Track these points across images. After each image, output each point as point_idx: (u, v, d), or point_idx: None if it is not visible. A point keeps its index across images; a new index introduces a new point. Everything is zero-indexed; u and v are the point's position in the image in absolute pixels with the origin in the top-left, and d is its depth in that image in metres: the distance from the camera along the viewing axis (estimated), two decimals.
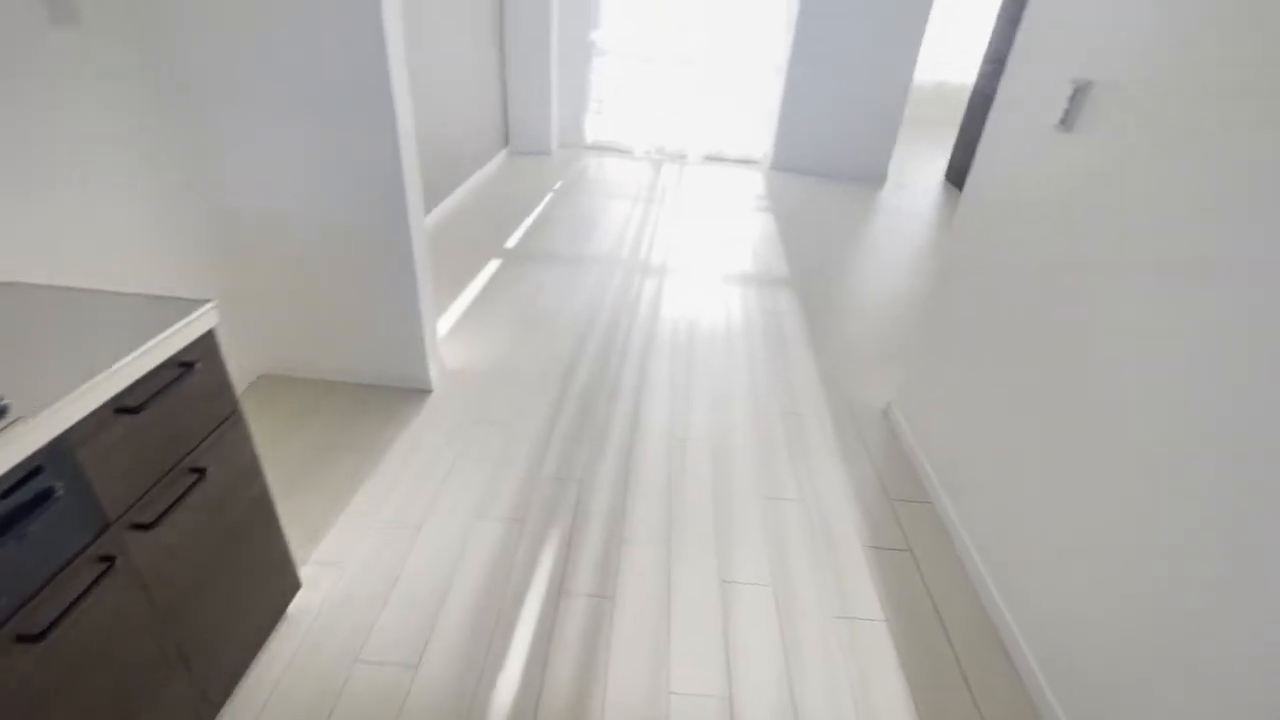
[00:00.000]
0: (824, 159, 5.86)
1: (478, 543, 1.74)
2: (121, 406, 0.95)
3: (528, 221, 4.12)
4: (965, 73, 9.09)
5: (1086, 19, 1.54)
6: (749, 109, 5.92)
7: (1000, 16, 5.35)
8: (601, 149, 6.11)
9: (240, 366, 2.26)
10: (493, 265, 3.45)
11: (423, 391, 2.35)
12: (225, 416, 1.20)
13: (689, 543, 1.80)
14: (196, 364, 1.09)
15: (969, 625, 1.63)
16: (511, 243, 3.77)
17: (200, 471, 1.13)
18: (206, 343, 1.12)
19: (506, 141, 5.66)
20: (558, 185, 4.95)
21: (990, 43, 5.51)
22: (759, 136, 6.03)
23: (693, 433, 2.24)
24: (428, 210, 3.87)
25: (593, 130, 6.09)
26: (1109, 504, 1.29)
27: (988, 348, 1.82)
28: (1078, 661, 1.34)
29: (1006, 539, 1.64)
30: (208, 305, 1.10)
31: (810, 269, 3.75)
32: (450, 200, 4.24)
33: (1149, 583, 1.18)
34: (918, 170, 6.43)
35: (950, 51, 9.22)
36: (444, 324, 2.81)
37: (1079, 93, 1.51)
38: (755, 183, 5.50)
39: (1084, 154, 1.49)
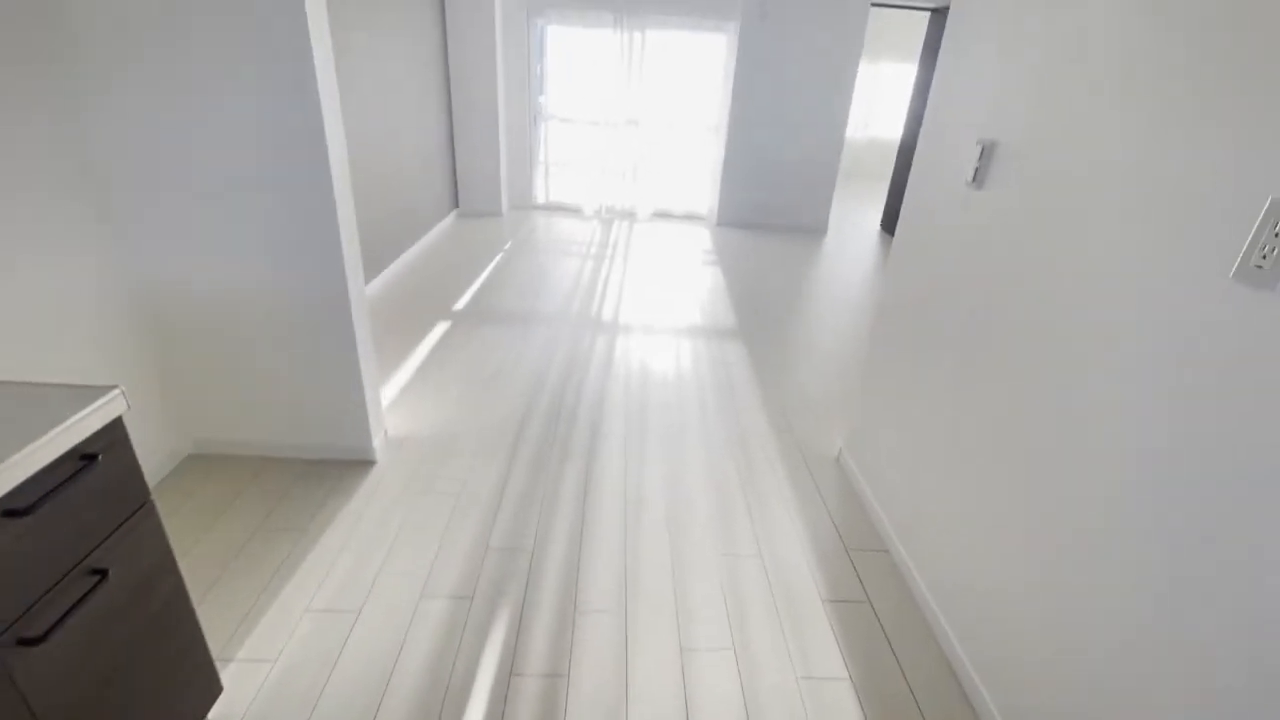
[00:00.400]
0: (766, 213, 6.10)
1: (422, 625, 1.64)
2: (9, 509, 0.87)
3: (477, 282, 4.11)
4: (892, 128, 9.71)
5: (983, 93, 1.66)
6: (693, 167, 6.14)
7: (918, 80, 5.77)
8: (551, 209, 6.21)
9: (166, 448, 2.13)
10: (440, 328, 3.40)
11: (365, 463, 2.25)
12: (134, 510, 1.11)
13: (646, 609, 1.74)
14: (100, 456, 1.01)
15: (930, 674, 1.60)
16: (460, 304, 3.74)
17: (102, 573, 1.03)
18: (112, 432, 1.05)
19: (456, 204, 5.70)
20: (507, 245, 4.98)
21: (911, 102, 5.91)
22: (703, 193, 6.25)
23: (647, 491, 2.20)
24: (374, 275, 3.82)
25: (542, 190, 6.20)
26: (1056, 539, 1.31)
27: (922, 390, 1.87)
28: (1037, 706, 1.33)
29: (960, 583, 1.64)
30: (113, 392, 1.03)
31: (757, 319, 3.83)
32: (397, 264, 4.20)
33: (1101, 621, 1.19)
34: (855, 219, 6.75)
35: (878, 109, 9.86)
36: (389, 391, 2.73)
37: (985, 152, 1.62)
38: (702, 237, 5.65)
39: (993, 206, 1.58)
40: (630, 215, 6.21)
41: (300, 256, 1.95)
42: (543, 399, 2.75)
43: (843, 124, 5.79)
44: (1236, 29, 0.98)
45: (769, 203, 6.04)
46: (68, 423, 0.95)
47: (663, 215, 6.29)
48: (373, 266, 3.80)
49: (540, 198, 6.22)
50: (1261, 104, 0.93)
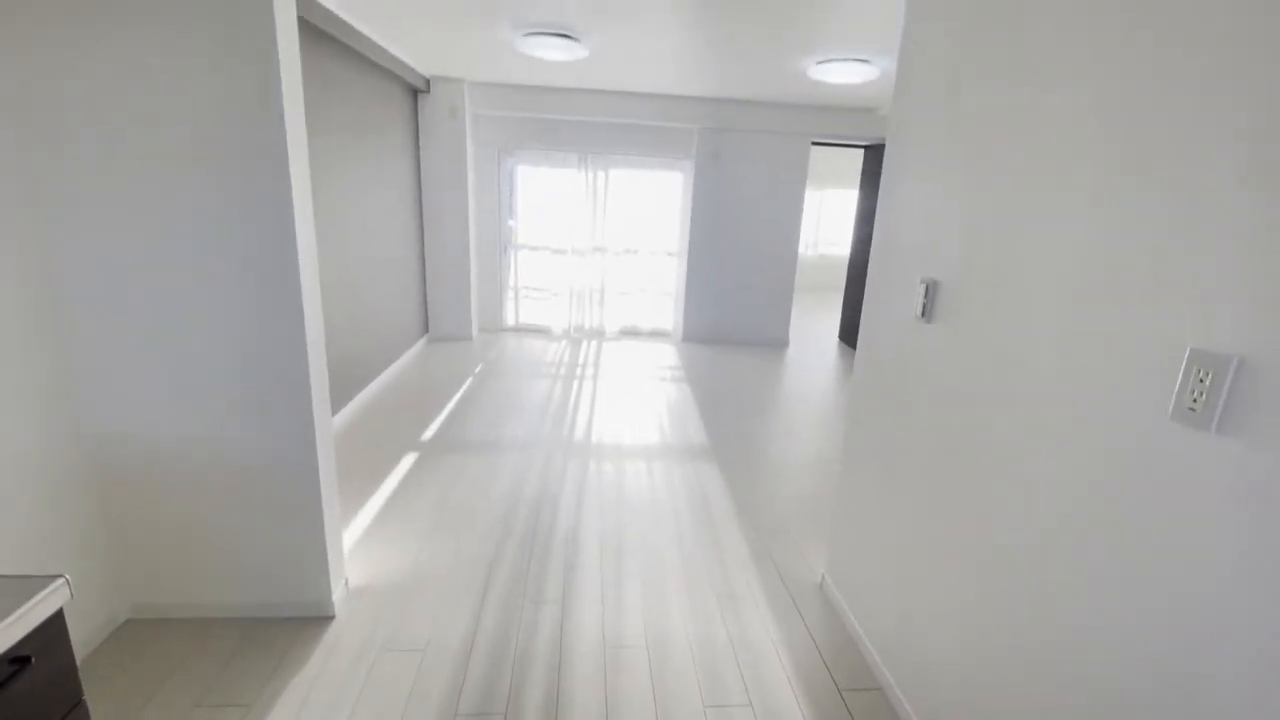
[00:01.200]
0: (729, 329, 6.33)
1: None
2: None
3: (447, 409, 4.09)
4: (837, 245, 10.42)
5: (921, 232, 1.82)
6: (657, 288, 6.42)
7: (860, 205, 6.29)
8: (521, 330, 6.34)
9: (103, 613, 1.95)
10: (408, 459, 3.32)
11: (322, 619, 2.10)
12: (64, 714, 1.00)
13: None
14: (33, 659, 0.92)
15: None
16: (429, 433, 3.69)
17: None
18: (51, 628, 0.97)
19: (426, 329, 5.78)
20: (478, 369, 5.01)
21: (856, 225, 6.41)
22: (668, 311, 6.49)
23: (626, 636, 2.09)
24: (342, 405, 3.78)
25: (512, 313, 6.36)
26: (1057, 674, 1.27)
27: (897, 515, 1.88)
28: None
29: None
30: (56, 583, 0.97)
31: (728, 436, 3.86)
32: (366, 393, 4.17)
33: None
34: (814, 331, 7.05)
35: (824, 229, 10.63)
36: (351, 535, 2.61)
37: (930, 289, 1.74)
38: (668, 354, 5.80)
39: (943, 339, 1.68)
40: (598, 334, 6.37)
41: (265, 402, 1.93)
42: (514, 534, 2.66)
43: (795, 245, 6.20)
44: (1143, 199, 1.11)
45: (731, 319, 6.30)
46: (1, 625, 0.87)
47: (630, 333, 6.47)
48: (341, 396, 3.76)
49: (510, 320, 6.37)
50: (1177, 267, 1.04)
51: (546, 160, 5.93)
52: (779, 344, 6.40)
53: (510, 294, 6.29)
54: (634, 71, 4.59)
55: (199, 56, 1.66)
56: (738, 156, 5.90)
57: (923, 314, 1.77)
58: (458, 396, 4.34)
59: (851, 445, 2.24)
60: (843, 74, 3.99)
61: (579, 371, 5.12)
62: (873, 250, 2.15)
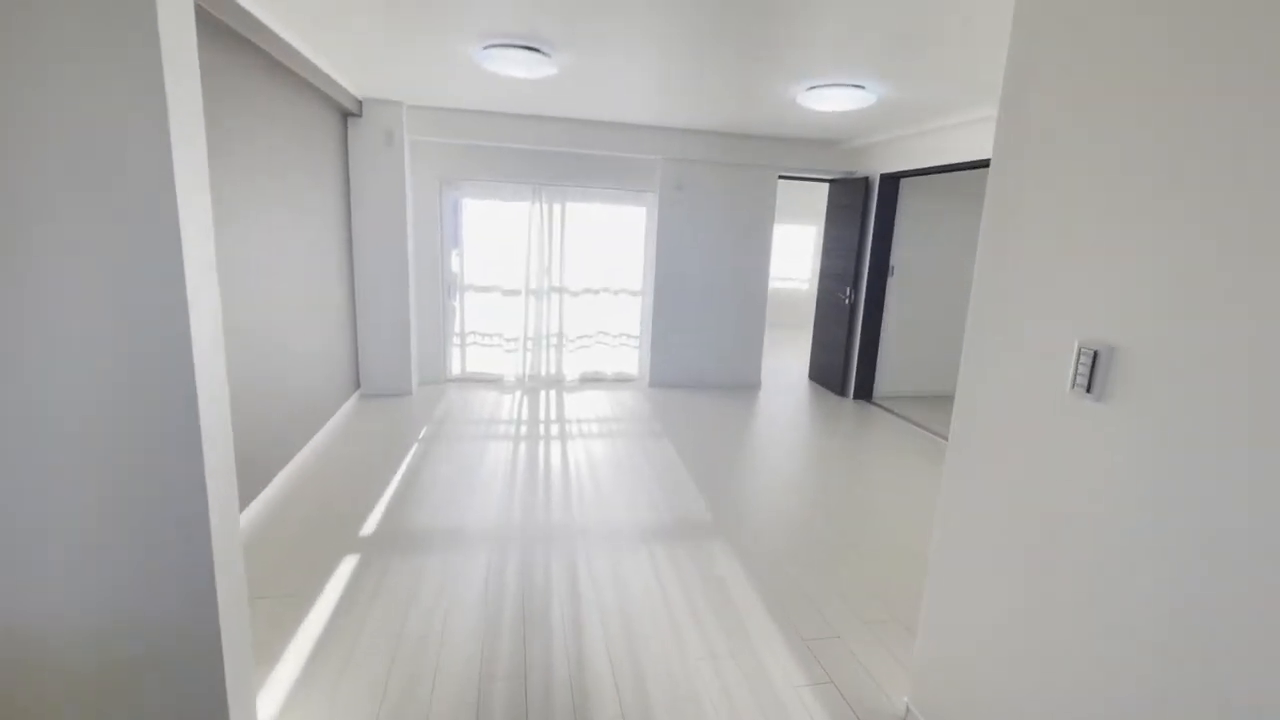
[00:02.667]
0: (699, 372, 5.87)
1: None
2: None
3: (390, 488, 3.35)
4: (794, 281, 10.29)
5: (1079, 284, 1.38)
6: (620, 330, 5.90)
7: (828, 238, 6.05)
8: (469, 381, 5.63)
9: None
10: (347, 566, 2.59)
11: None
12: None
13: None
14: None
15: None
16: (370, 525, 2.96)
17: None
18: None
19: (357, 384, 4.98)
20: (422, 432, 4.28)
21: (823, 259, 6.15)
22: (632, 355, 5.97)
23: None
24: (255, 494, 2.98)
25: (458, 362, 5.65)
26: None
27: (1040, 620, 1.39)
28: None
29: None
30: None
31: (730, 504, 3.34)
32: (286, 474, 3.38)
33: None
34: (782, 369, 6.71)
35: (779, 264, 10.45)
36: (269, 700, 1.87)
37: (1100, 358, 1.30)
38: (638, 403, 5.25)
39: (1116, 419, 1.23)
40: (557, 382, 5.75)
41: (139, 555, 1.24)
42: (496, 678, 2.00)
43: (764, 282, 5.87)
44: None
45: (700, 362, 5.85)
46: None
47: (592, 380, 5.89)
48: (254, 481, 2.98)
49: (456, 369, 5.65)
50: None
51: (495, 192, 5.34)
52: (751, 386, 5.99)
53: (456, 340, 5.59)
54: (598, 96, 4.13)
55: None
56: (703, 189, 5.53)
57: (1087, 388, 1.32)
58: (402, 470, 3.61)
59: (950, 539, 1.76)
60: (835, 101, 3.68)
61: (542, 429, 4.48)
62: (974, 299, 1.71)
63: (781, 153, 5.56)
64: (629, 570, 2.67)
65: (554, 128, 5.08)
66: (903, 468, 4.06)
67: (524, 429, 4.46)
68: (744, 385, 5.99)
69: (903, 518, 3.31)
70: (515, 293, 5.54)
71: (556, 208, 5.45)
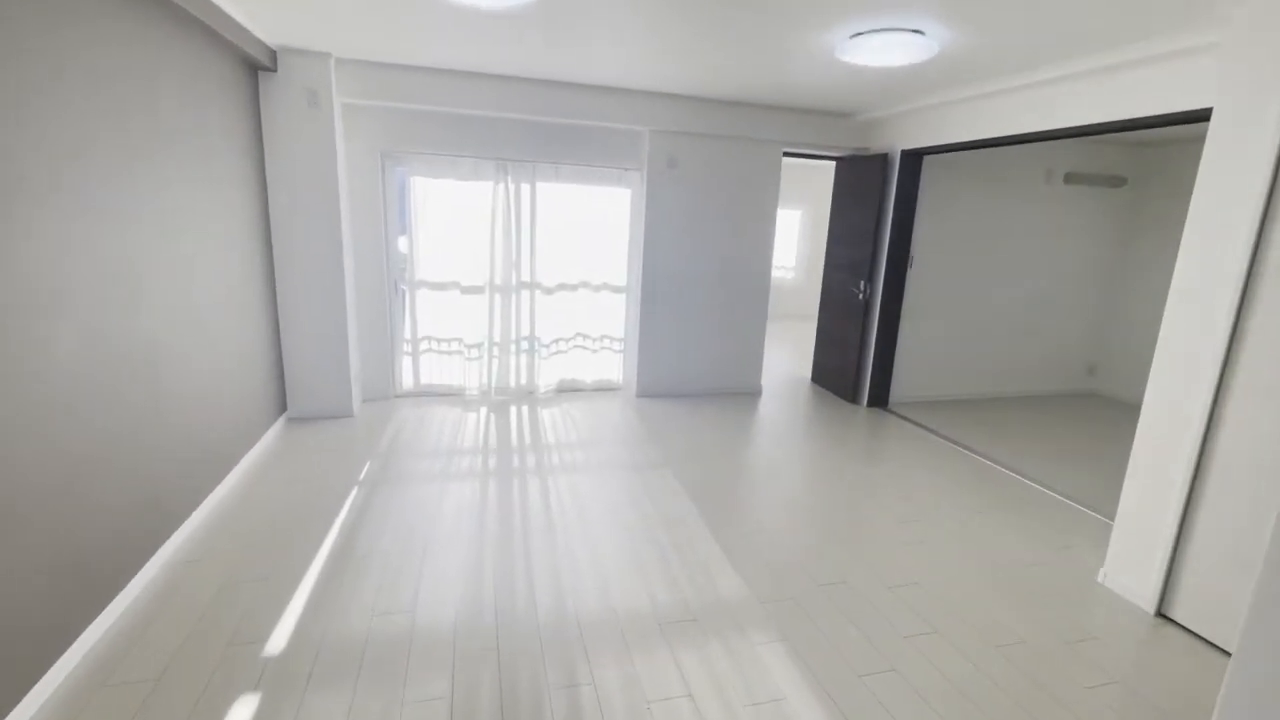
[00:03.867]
0: (693, 378, 5.12)
1: None
2: None
3: (312, 573, 2.49)
4: (781, 270, 9.60)
5: None
6: (603, 331, 5.08)
7: (834, 223, 5.34)
8: (424, 396, 4.74)
9: None
10: (244, 708, 1.75)
11: None
12: None
13: None
14: None
15: None
16: (278, 641, 2.10)
17: None
18: None
19: (283, 406, 4.05)
20: (364, 470, 3.41)
21: (829, 247, 5.44)
22: (616, 360, 5.17)
23: None
24: (120, 586, 2.10)
25: (410, 373, 4.75)
26: None
27: None
28: None
29: None
30: None
31: (771, 575, 2.60)
32: (172, 546, 2.48)
33: None
34: (780, 371, 6.01)
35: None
36: None
37: None
38: (627, 419, 4.47)
39: None
40: (529, 394, 4.92)
41: None
42: None
43: (767, 274, 5.13)
44: None
45: (695, 366, 5.09)
46: None
47: (570, 389, 5.07)
48: (121, 569, 2.09)
49: (408, 383, 4.75)
50: None
51: (451, 169, 4.43)
52: (751, 394, 5.27)
53: (407, 348, 4.69)
54: (574, 50, 3.28)
55: None
56: (698, 167, 4.73)
57: None
58: (332, 536, 2.75)
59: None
60: (884, 53, 2.92)
61: (515, 460, 3.66)
62: None
63: (787, 125, 4.79)
64: (653, 692, 1.91)
65: (521, 91, 4.19)
66: (965, 508, 3.40)
67: (492, 461, 3.64)
68: (743, 393, 5.27)
69: (1003, 593, 2.64)
70: (477, 290, 4.66)
71: (525, 188, 4.57)
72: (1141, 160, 5.39)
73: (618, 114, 4.42)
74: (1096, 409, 5.35)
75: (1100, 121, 3.11)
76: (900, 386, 5.14)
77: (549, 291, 4.80)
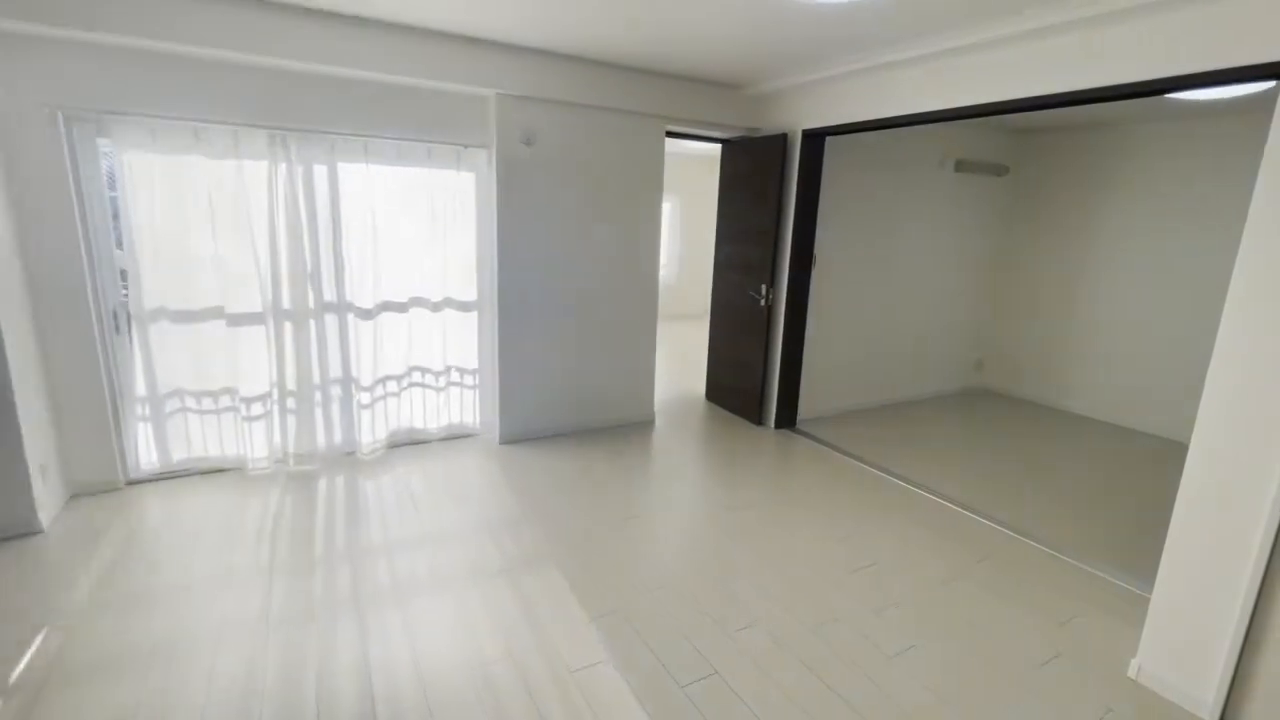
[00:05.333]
0: (573, 412, 4.08)
1: None
2: None
3: None
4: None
5: None
6: (447, 363, 3.85)
7: (722, 217, 4.55)
8: (178, 478, 3.21)
9: None
10: None
11: None
12: None
13: None
14: None
15: None
16: None
17: None
18: None
19: None
20: (37, 642, 1.96)
21: (719, 242, 4.66)
22: (469, 400, 3.96)
23: None
24: None
25: (145, 449, 3.19)
26: None
27: None
28: None
29: None
30: None
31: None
32: None
33: None
34: (670, 390, 5.14)
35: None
36: None
37: None
38: (489, 480, 3.32)
39: None
40: (346, 456, 3.57)
41: None
42: None
43: (654, 278, 4.21)
44: None
45: (574, 397, 4.05)
46: None
47: (408, 443, 3.79)
48: None
49: (146, 460, 3.19)
50: None
51: (196, 143, 2.95)
52: (643, 423, 4.35)
53: (142, 410, 3.13)
54: None
55: None
56: (563, 144, 3.68)
57: None
58: None
59: None
60: None
61: (317, 587, 2.39)
62: None
63: (670, 96, 3.89)
64: None
65: (301, 28, 2.85)
66: (930, 575, 2.70)
67: (277, 595, 2.33)
68: (635, 423, 4.32)
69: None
70: (254, 319, 3.22)
71: (320, 172, 3.22)
72: (1021, 147, 5.22)
73: (453, 70, 3.23)
74: (990, 408, 5.12)
75: (1080, 89, 2.53)
76: (808, 402, 4.50)
77: (367, 315, 3.48)
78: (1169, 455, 4.09)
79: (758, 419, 4.40)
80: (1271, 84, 3.03)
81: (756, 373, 4.34)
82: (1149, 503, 3.35)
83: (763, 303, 4.22)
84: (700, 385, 5.28)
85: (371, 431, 3.58)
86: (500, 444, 3.84)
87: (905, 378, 5.12)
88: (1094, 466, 3.89)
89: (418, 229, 3.54)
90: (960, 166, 4.87)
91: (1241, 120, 3.96)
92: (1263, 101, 3.48)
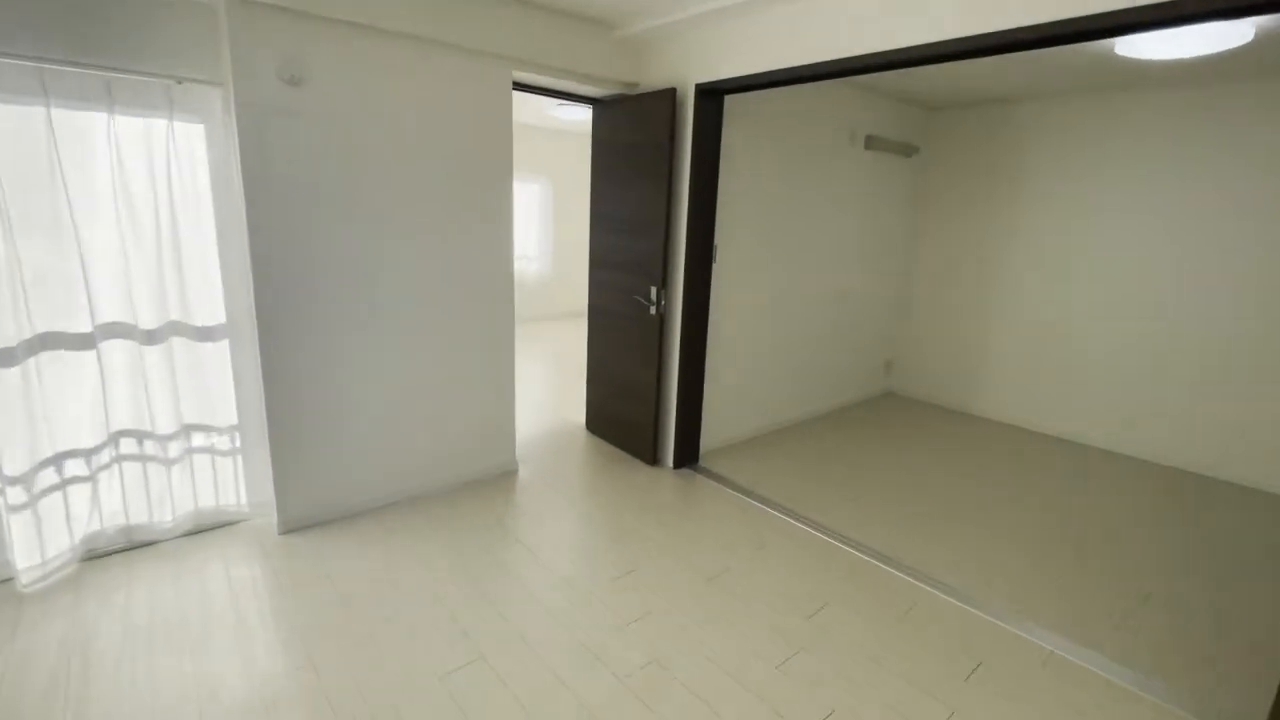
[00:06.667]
0: (395, 473, 2.91)
1: None
2: None
3: None
4: (519, 261, 7.67)
5: None
6: (187, 420, 2.51)
7: (598, 196, 3.54)
8: None
9: None
10: None
11: None
12: None
13: None
14: None
15: None
16: None
17: None
18: None
19: None
20: None
21: (594, 241, 3.64)
22: (228, 469, 2.65)
23: None
24: None
25: None
26: None
27: None
28: None
29: None
30: None
31: None
32: None
33: None
34: (539, 419, 4.07)
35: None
36: None
37: None
38: (248, 605, 2.09)
39: None
40: (14, 584, 2.17)
41: None
42: None
43: (507, 281, 3.11)
44: None
45: (394, 456, 2.87)
46: None
47: (123, 548, 2.43)
48: None
49: None
50: None
51: None
52: (504, 474, 3.26)
53: None
54: None
55: None
56: (355, 86, 2.46)
57: None
58: None
59: None
60: None
61: None
62: None
63: (516, 31, 2.79)
64: None
65: None
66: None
67: None
68: (490, 477, 3.22)
69: None
70: None
71: None
72: (932, 125, 4.67)
73: None
74: (911, 415, 4.56)
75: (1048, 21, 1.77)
76: (711, 427, 3.64)
77: (8, 359, 2.08)
78: (1095, 467, 3.68)
79: (651, 457, 3.46)
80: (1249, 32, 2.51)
81: (648, 398, 3.39)
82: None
83: (653, 310, 3.26)
84: (579, 410, 4.26)
85: (38, 545, 2.20)
86: (281, 534, 2.59)
87: (815, 388, 4.42)
88: (1025, 486, 3.36)
89: (103, 208, 2.19)
90: (871, 144, 4.20)
91: (1185, 91, 3.56)
92: (1223, 65, 3.02)
